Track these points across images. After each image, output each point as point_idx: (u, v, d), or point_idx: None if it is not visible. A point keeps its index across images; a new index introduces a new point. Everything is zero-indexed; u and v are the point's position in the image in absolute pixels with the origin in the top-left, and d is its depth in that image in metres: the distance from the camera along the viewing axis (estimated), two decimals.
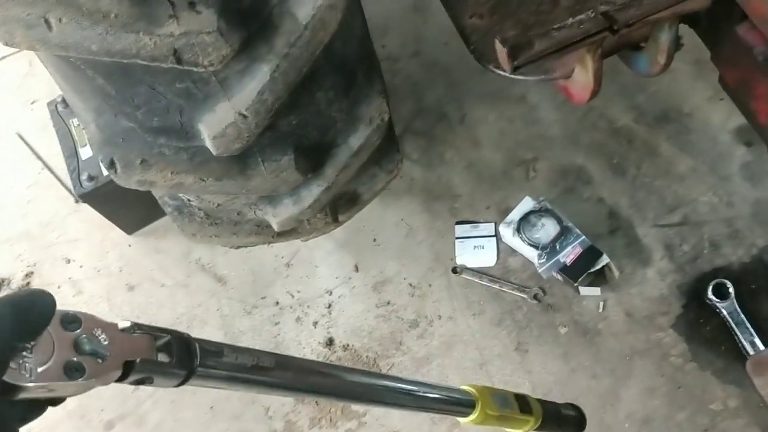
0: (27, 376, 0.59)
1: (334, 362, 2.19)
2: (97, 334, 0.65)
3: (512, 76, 1.41)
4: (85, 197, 2.21)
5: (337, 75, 1.49)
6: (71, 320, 0.64)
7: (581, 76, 1.48)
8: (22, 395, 0.60)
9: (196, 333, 2.13)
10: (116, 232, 2.45)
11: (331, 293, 2.29)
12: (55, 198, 2.58)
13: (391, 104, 2.06)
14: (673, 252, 2.17)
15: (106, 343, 0.65)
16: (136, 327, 0.68)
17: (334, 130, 1.56)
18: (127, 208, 2.33)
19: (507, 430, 1.23)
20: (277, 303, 2.31)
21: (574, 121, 2.40)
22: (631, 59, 1.59)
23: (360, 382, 0.97)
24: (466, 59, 1.67)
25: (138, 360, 0.67)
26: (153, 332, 0.70)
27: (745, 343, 1.99)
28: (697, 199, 2.24)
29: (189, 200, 1.68)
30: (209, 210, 1.70)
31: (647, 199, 2.26)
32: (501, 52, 1.37)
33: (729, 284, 2.04)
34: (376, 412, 2.12)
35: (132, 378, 0.68)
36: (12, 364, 0.59)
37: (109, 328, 0.66)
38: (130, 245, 2.46)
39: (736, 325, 2.02)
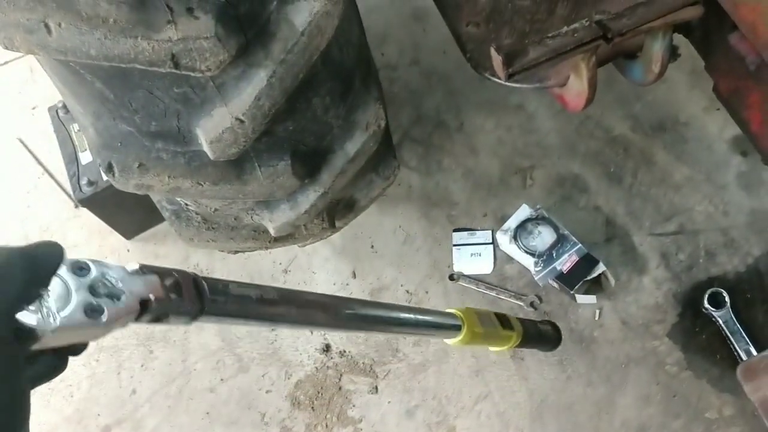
0: (51, 320, 0.61)
1: (331, 368, 2.20)
2: (109, 277, 0.66)
3: (507, 83, 1.42)
4: (85, 202, 2.22)
5: (333, 81, 1.51)
6: (81, 266, 0.65)
7: (576, 84, 1.49)
8: (46, 342, 0.61)
9: (193, 338, 2.15)
10: (115, 238, 2.46)
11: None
12: (54, 203, 2.59)
13: (389, 111, 2.08)
14: (669, 260, 2.18)
15: (120, 284, 0.66)
16: (144, 268, 0.70)
17: (330, 135, 1.57)
18: (127, 213, 2.34)
19: (491, 348, 1.28)
20: None
21: (571, 130, 2.41)
22: (625, 68, 1.61)
23: (357, 312, 1.01)
24: (464, 67, 1.68)
25: (152, 297, 0.69)
26: (161, 272, 0.72)
27: (740, 351, 2.00)
28: (693, 208, 2.25)
29: (186, 205, 1.69)
30: (206, 215, 1.71)
31: (643, 208, 2.27)
32: (496, 59, 1.39)
33: (724, 293, 2.05)
34: (372, 418, 2.13)
35: (147, 317, 0.70)
36: (34, 309, 0.60)
37: (119, 270, 0.68)
38: (128, 250, 2.47)
39: (731, 333, 2.02)
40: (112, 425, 2.22)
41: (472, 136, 2.47)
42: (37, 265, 0.62)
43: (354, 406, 2.16)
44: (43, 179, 2.64)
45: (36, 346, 0.61)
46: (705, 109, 2.36)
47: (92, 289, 0.64)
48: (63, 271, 0.64)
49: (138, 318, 0.69)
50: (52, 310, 0.61)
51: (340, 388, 2.18)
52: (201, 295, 0.75)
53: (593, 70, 1.45)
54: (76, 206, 2.43)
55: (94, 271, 0.66)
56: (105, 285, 0.66)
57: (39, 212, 2.60)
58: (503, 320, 1.30)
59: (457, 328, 1.17)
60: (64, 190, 2.58)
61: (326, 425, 2.14)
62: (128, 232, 2.47)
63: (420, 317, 1.14)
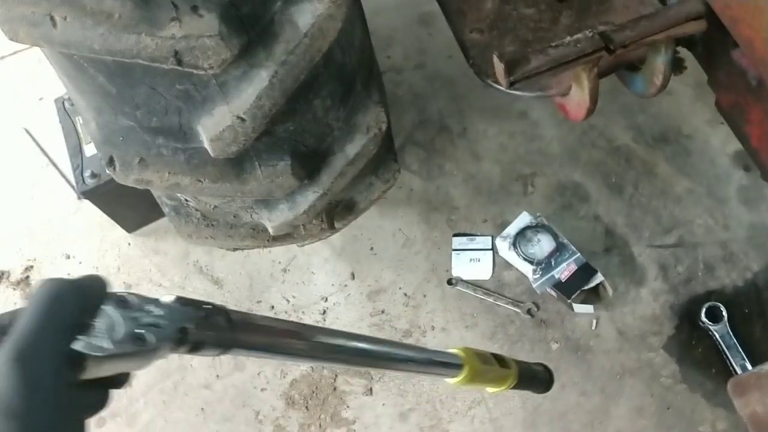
0: (99, 350, 0.63)
1: (326, 368, 2.20)
2: (148, 309, 0.68)
3: (509, 91, 1.43)
4: (87, 194, 2.23)
5: (335, 83, 1.51)
6: (122, 299, 0.68)
7: (577, 94, 1.49)
8: (93, 372, 0.63)
9: None
10: (116, 232, 2.47)
11: (326, 300, 2.31)
12: (57, 195, 2.60)
13: (393, 115, 2.08)
14: (668, 272, 2.18)
15: (159, 315, 0.68)
16: (180, 300, 0.72)
17: (331, 137, 1.57)
18: (128, 206, 2.35)
19: (488, 389, 1.28)
20: (273, 307, 2.32)
21: (574, 139, 2.41)
22: (628, 79, 1.61)
23: (366, 349, 1.02)
24: (468, 73, 1.69)
25: (190, 327, 0.71)
26: (195, 304, 0.74)
27: (735, 366, 2.00)
28: (693, 220, 2.25)
29: (186, 201, 1.70)
30: (206, 211, 1.72)
31: (643, 219, 2.27)
32: (498, 66, 1.39)
33: (722, 307, 2.05)
34: (366, 419, 2.13)
35: (185, 347, 0.71)
36: (84, 340, 0.63)
37: (157, 302, 0.70)
38: (129, 244, 2.48)
39: (727, 348, 2.02)
40: (106, 418, 2.23)
41: (474, 142, 2.47)
42: (87, 295, 0.65)
43: (348, 407, 2.16)
44: (46, 171, 2.65)
45: (83, 376, 0.63)
46: (708, 122, 2.36)
47: (135, 320, 0.67)
48: (108, 302, 0.66)
49: (177, 347, 0.71)
50: (98, 341, 0.63)
51: (334, 389, 2.18)
52: (232, 328, 0.77)
53: (595, 80, 1.45)
54: (79, 198, 2.44)
55: (134, 303, 0.68)
56: (146, 316, 0.68)
57: (41, 204, 2.61)
58: (500, 360, 1.29)
59: (457, 367, 1.17)
60: (67, 181, 2.59)
61: (320, 425, 2.15)
62: (130, 226, 2.48)
63: (423, 356, 1.16)
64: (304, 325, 0.94)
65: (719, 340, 2.04)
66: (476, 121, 2.50)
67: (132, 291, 0.69)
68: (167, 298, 0.71)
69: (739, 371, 1.98)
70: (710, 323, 2.05)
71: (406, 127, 2.50)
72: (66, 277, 0.66)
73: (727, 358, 2.02)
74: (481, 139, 2.47)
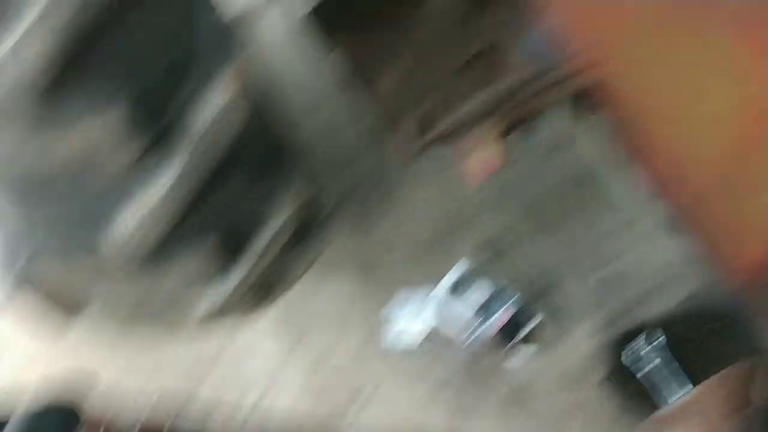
0: None
1: None
2: None
3: (416, 156, 1.46)
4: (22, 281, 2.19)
5: (252, 162, 1.54)
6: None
7: (483, 154, 1.54)
8: None
9: None
10: None
11: (266, 375, 2.29)
12: None
13: (323, 175, 2.10)
14: (602, 308, 2.22)
15: None
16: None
17: (252, 216, 1.59)
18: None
19: None
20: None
21: (502, 185, 2.45)
22: (530, 134, 1.66)
23: None
24: None
25: None
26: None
27: (671, 396, 2.02)
28: (623, 254, 2.30)
29: (109, 294, 1.69)
30: (133, 301, 1.71)
31: (577, 257, 2.31)
32: (405, 134, 1.43)
33: (657, 337, 2.09)
34: None
35: None
36: None
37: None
38: None
39: (662, 378, 2.06)
40: None
41: (407, 197, 2.49)
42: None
43: None
44: None
45: None
46: (625, 158, 2.43)
47: None
48: None
49: None
50: None
51: None
52: None
53: (499, 138, 1.50)
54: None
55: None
56: None
57: None
58: None
59: None
60: None
61: None
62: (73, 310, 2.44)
63: None
64: None
65: (653, 371, 2.07)
66: (409, 176, 2.51)
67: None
68: None
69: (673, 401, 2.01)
70: (644, 353, 2.08)
71: (337, 185, 2.51)
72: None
73: (662, 389, 2.04)
74: (414, 193, 2.49)
